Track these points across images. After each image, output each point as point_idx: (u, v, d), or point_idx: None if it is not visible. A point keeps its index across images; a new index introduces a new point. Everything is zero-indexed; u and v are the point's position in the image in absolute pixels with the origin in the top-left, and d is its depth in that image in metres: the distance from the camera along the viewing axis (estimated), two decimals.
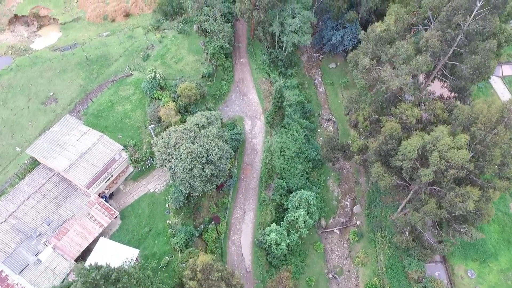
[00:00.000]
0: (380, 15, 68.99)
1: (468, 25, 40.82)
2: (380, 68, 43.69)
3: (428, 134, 41.77)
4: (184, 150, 43.09)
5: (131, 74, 59.82)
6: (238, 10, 61.85)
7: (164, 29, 67.18)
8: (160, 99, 57.42)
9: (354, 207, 60.70)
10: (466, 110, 39.86)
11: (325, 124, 70.79)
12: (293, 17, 63.43)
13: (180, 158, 43.18)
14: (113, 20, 67.82)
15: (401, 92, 45.45)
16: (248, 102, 65.36)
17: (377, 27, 43.08)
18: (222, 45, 63.83)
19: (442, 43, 41.91)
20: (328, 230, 58.23)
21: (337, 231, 58.29)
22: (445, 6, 41.74)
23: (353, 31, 68.67)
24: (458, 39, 42.58)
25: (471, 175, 38.23)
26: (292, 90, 67.98)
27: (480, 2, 39.03)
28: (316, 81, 77.08)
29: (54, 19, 69.32)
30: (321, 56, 79.82)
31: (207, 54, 64.25)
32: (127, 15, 68.56)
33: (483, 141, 36.21)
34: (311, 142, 64.83)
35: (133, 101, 57.37)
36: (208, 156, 44.37)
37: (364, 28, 72.22)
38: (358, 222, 58.43)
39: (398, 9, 46.25)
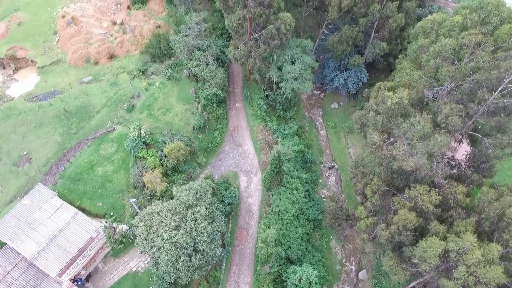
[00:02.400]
0: (386, 55, 63.77)
1: (493, 99, 35.47)
2: (392, 145, 38.20)
3: (450, 225, 36.41)
4: (168, 239, 37.59)
5: (114, 129, 54.25)
6: (232, 56, 56.33)
7: (151, 73, 61.64)
8: (145, 158, 51.98)
9: (360, 273, 55.19)
10: (493, 201, 34.54)
11: (327, 173, 65.32)
12: (292, 62, 57.97)
13: (163, 249, 37.67)
14: (96, 63, 62.20)
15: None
16: (243, 154, 59.80)
17: (388, 99, 37.59)
18: (215, 93, 58.31)
19: (464, 118, 36.46)
20: None
21: None
22: (467, 77, 36.33)
23: (358, 74, 63.25)
24: (480, 110, 37.25)
25: None
26: (291, 139, 62.44)
27: (509, 78, 33.62)
28: (317, 123, 71.56)
29: (32, 61, 63.66)
30: (322, 94, 74.41)
31: (198, 102, 58.76)
32: (111, 57, 62.97)
33: None
34: (312, 196, 59.31)
35: (115, 161, 51.81)
36: (195, 244, 38.88)
37: (369, 67, 67.19)
38: None
39: (411, 74, 40.74)
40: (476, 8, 36.84)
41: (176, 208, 40.16)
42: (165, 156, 51.12)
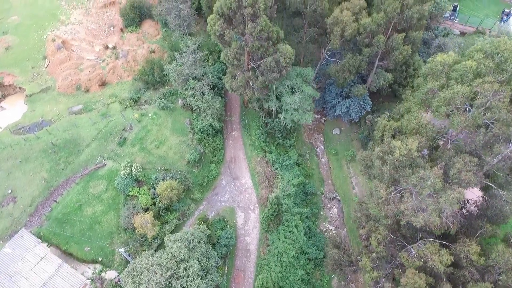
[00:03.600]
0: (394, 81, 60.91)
1: (510, 152, 32.71)
2: (399, 197, 35.37)
3: (463, 286, 33.58)
4: None
5: (104, 165, 51.44)
6: (229, 87, 53.49)
7: (144, 101, 58.84)
8: (137, 197, 49.20)
9: None
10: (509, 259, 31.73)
11: (328, 205, 62.44)
12: (292, 91, 55.20)
13: None
14: (87, 91, 59.38)
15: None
16: (241, 187, 56.96)
17: (396, 149, 34.76)
18: (211, 124, 55.51)
19: (479, 173, 33.65)
20: None
21: None
22: (482, 127, 33.53)
23: (361, 103, 60.40)
24: (495, 161, 34.50)
25: None
26: (291, 170, 59.58)
27: None
28: (318, 150, 68.65)
29: (20, 88, 60.85)
30: (324, 118, 71.51)
31: (193, 134, 55.95)
32: (103, 84, 60.15)
33: None
34: (313, 232, 56.44)
35: (105, 200, 49.00)
36: None
37: (373, 94, 64.24)
38: None
39: (420, 118, 37.86)
40: (492, 53, 34.00)
41: (166, 262, 37.33)
42: (158, 196, 48.35)
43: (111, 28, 66.11)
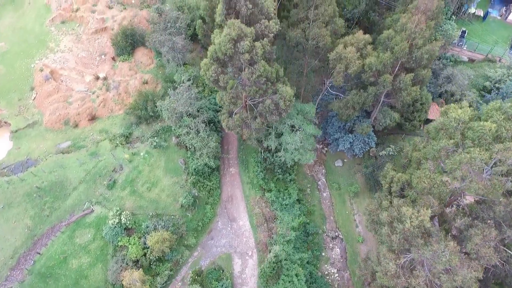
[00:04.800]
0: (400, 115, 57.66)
1: None
2: (410, 271, 32.18)
3: None
4: None
5: (92, 211, 48.27)
6: (225, 126, 50.31)
7: (136, 137, 55.64)
8: (126, 247, 46.05)
9: None
10: None
11: (330, 245, 59.20)
12: (293, 130, 52.06)
13: None
14: (76, 126, 56.23)
15: None
16: (238, 230, 53.74)
17: (407, 219, 31.56)
18: (206, 163, 52.35)
19: (500, 248, 30.48)
20: None
21: None
22: (503, 197, 30.34)
23: (365, 139, 57.20)
24: None
25: None
26: (291, 210, 56.39)
27: None
28: (319, 183, 65.40)
29: (6, 122, 57.68)
30: (325, 149, 68.25)
31: (187, 174, 52.75)
32: (93, 118, 56.98)
33: None
34: (314, 277, 53.28)
35: (92, 251, 45.81)
36: None
37: (378, 134, 61.01)
38: None
39: (432, 178, 34.62)
40: None
41: None
42: (149, 247, 45.17)
43: (103, 56, 62.93)
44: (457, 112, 33.91)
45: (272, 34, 39.16)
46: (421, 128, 61.71)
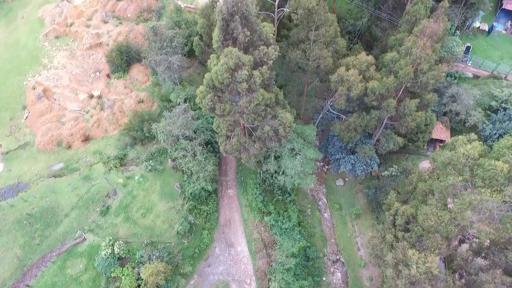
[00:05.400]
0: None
1: None
2: None
3: None
4: None
5: (84, 239, 46.48)
6: (223, 150, 48.51)
7: (131, 159, 53.87)
8: (120, 278, 44.28)
9: None
10: None
11: (331, 269, 57.42)
12: (292, 153, 50.29)
13: None
14: (69, 147, 54.46)
15: None
16: (236, 257, 51.97)
17: (413, 264, 29.78)
18: (203, 187, 50.63)
19: None
20: None
21: None
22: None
23: (367, 161, 55.43)
24: None
25: None
26: (291, 234, 54.61)
27: None
28: (320, 203, 63.60)
29: None
30: (326, 166, 66.46)
31: (184, 199, 51.00)
32: (86, 139, 55.20)
33: None
34: None
35: (84, 283, 44.01)
36: None
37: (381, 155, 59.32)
38: None
39: (439, 215, 32.82)
40: None
41: None
42: (142, 279, 43.40)
43: (97, 73, 61.17)
44: (465, 147, 32.14)
45: (271, 61, 37.42)
46: (425, 147, 60.05)
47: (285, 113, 42.39)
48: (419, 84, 42.05)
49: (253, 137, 46.40)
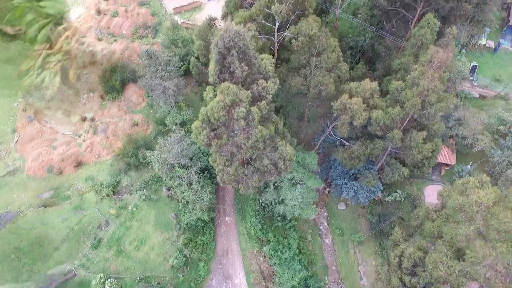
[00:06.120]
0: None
1: None
2: None
3: None
4: None
5: (74, 275, 44.36)
6: (220, 180, 46.28)
7: (124, 186, 51.72)
8: None
9: None
10: None
11: None
12: (292, 182, 48.17)
13: None
14: (60, 173, 52.32)
15: None
16: None
17: None
18: (199, 217, 48.53)
19: None
20: None
21: None
22: None
23: (371, 188, 53.29)
24: None
25: None
26: (291, 264, 52.48)
27: None
28: (321, 227, 61.37)
29: None
30: (328, 189, 64.29)
31: (179, 229, 48.87)
32: (78, 164, 53.08)
33: None
34: None
35: None
36: None
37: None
38: None
39: (450, 265, 30.72)
40: None
41: None
42: None
43: (91, 93, 59.06)
44: (478, 194, 30.00)
45: (271, 96, 35.31)
46: (430, 171, 57.92)
47: (286, 145, 40.27)
48: (426, 115, 39.93)
49: (251, 168, 44.27)
